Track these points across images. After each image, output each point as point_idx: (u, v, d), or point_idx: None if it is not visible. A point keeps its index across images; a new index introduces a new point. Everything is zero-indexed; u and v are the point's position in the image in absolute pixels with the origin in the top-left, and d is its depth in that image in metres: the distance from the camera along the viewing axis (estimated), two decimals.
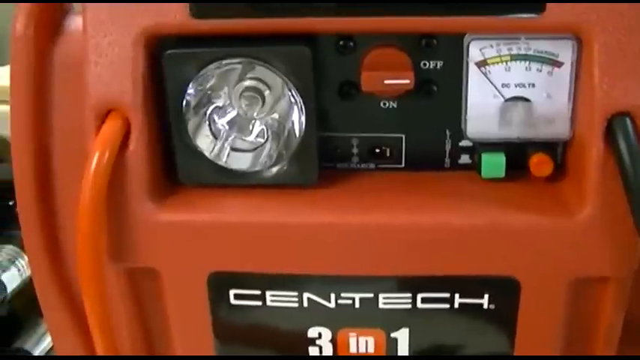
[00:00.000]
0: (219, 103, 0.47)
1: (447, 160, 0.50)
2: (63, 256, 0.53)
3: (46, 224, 0.52)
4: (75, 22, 0.51)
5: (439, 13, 0.44)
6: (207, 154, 0.47)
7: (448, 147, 0.50)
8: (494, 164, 0.48)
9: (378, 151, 0.50)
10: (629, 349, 0.52)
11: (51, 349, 0.76)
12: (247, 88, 0.46)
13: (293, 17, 0.45)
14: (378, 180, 0.48)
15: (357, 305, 0.48)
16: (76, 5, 0.51)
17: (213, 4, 0.45)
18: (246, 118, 0.47)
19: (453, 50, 0.47)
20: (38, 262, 0.53)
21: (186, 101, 0.46)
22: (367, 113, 0.49)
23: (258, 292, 0.48)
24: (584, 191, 0.46)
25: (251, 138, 0.47)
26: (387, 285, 0.47)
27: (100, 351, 0.49)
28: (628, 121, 0.44)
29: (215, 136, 0.47)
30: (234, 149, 0.47)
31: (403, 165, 0.51)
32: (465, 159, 0.50)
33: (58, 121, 0.50)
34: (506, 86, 0.47)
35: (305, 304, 0.48)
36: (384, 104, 0.49)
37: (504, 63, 0.47)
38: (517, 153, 0.49)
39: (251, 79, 0.46)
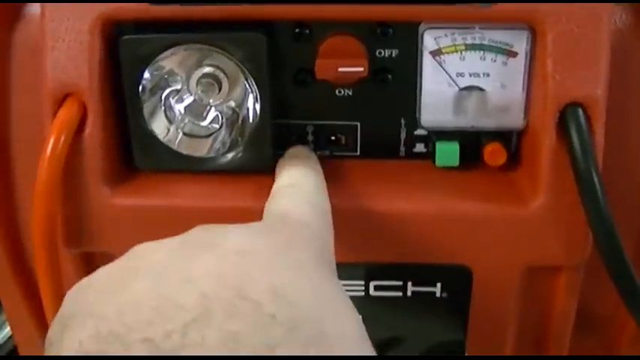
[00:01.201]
0: (176, 87, 0.47)
1: (402, 149, 0.51)
2: (20, 243, 0.53)
3: (3, 210, 0.52)
4: (34, 7, 0.51)
5: (394, 1, 0.45)
6: (161, 138, 0.47)
7: (403, 135, 0.50)
8: (448, 153, 0.49)
9: (333, 138, 0.51)
10: (582, 338, 0.53)
11: (9, 337, 0.76)
12: (204, 75, 0.46)
13: (249, 4, 0.45)
14: (332, 167, 0.48)
15: None
16: None
17: None
18: (201, 104, 0.47)
19: (408, 39, 0.47)
20: None
21: (143, 86, 0.46)
22: (322, 101, 0.49)
23: None
24: (537, 181, 0.46)
25: (205, 123, 0.47)
26: (340, 272, 0.47)
27: None
28: (580, 111, 0.44)
29: (170, 121, 0.47)
30: (189, 135, 0.48)
31: (358, 153, 0.51)
32: (419, 147, 0.51)
33: (17, 105, 0.50)
34: (460, 75, 0.48)
35: None
36: (340, 92, 0.49)
37: (459, 52, 0.47)
38: (471, 142, 0.49)
39: (208, 65, 0.46)
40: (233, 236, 0.34)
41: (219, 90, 0.46)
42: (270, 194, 0.43)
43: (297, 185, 0.43)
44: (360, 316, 0.33)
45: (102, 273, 0.33)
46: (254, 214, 0.46)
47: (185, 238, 0.34)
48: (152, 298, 0.29)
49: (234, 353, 0.27)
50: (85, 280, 0.33)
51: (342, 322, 0.31)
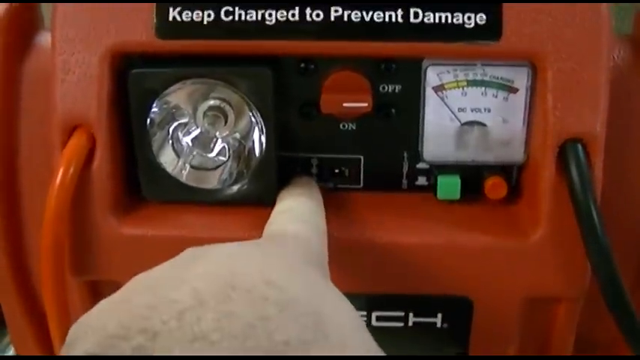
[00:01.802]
0: (183, 121, 0.48)
1: (405, 182, 0.52)
2: (28, 269, 0.54)
3: (11, 237, 0.53)
4: (45, 37, 0.52)
5: (398, 38, 0.46)
6: (169, 171, 0.48)
7: (405, 169, 0.51)
8: (449, 186, 0.50)
9: (337, 171, 0.52)
10: None
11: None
12: (211, 108, 0.47)
13: (256, 39, 0.46)
14: (336, 200, 0.49)
15: None
16: (47, 21, 0.52)
17: (177, 26, 0.46)
18: (208, 136, 0.48)
19: (411, 75, 0.48)
20: (2, 275, 0.54)
21: (151, 119, 0.47)
22: (327, 134, 0.50)
23: None
24: (537, 214, 0.47)
25: (212, 155, 0.48)
26: None
27: None
28: (580, 147, 0.45)
29: (178, 154, 0.48)
30: (196, 167, 0.49)
31: (362, 185, 0.52)
32: (422, 181, 0.51)
33: (26, 134, 0.51)
34: (462, 110, 0.49)
35: None
36: (344, 126, 0.50)
37: (461, 88, 0.48)
38: (473, 175, 0.50)
39: (214, 98, 0.47)
40: (226, 246, 0.35)
41: (226, 122, 0.47)
42: (268, 222, 0.44)
43: (292, 209, 0.44)
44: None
45: (103, 301, 0.33)
46: None
47: (180, 255, 0.35)
48: (147, 300, 0.30)
49: (229, 328, 0.28)
50: (86, 313, 0.34)
51: (338, 312, 0.32)
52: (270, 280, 0.31)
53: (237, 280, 0.30)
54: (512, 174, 0.50)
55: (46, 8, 0.52)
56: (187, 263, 0.33)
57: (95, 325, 0.30)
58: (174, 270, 0.33)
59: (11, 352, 0.74)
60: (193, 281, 0.30)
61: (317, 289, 0.33)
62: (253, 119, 0.47)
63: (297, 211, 0.44)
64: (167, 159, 0.48)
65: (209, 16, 0.46)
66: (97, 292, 0.51)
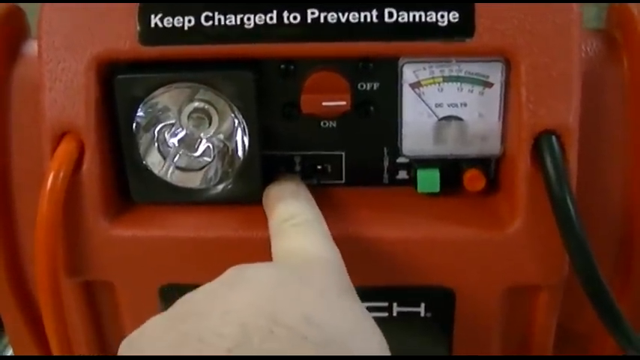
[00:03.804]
0: (169, 122, 0.49)
1: (386, 176, 0.53)
2: (23, 272, 0.56)
3: (6, 241, 0.54)
4: (32, 46, 0.53)
5: (373, 38, 0.47)
6: (156, 172, 0.50)
7: (386, 163, 0.52)
8: (429, 180, 0.51)
9: (319, 167, 0.53)
10: (563, 353, 0.55)
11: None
12: (195, 110, 0.48)
13: (236, 43, 0.47)
14: (319, 195, 0.50)
15: None
16: (34, 31, 0.54)
17: (159, 32, 0.47)
18: (193, 137, 0.49)
19: (388, 73, 0.50)
20: None
21: (137, 123, 0.49)
22: (308, 133, 0.52)
23: None
24: (515, 205, 0.48)
25: (197, 154, 0.50)
26: None
27: None
28: (554, 139, 0.46)
29: (164, 156, 0.50)
30: (182, 169, 0.50)
31: (343, 181, 0.53)
32: (402, 175, 0.53)
33: (17, 141, 0.53)
34: (439, 106, 0.50)
35: None
36: (325, 124, 0.51)
37: (437, 84, 0.49)
38: (451, 169, 0.51)
39: (198, 100, 0.48)
40: (265, 273, 0.38)
41: (210, 124, 0.49)
42: (274, 230, 0.45)
43: (295, 216, 0.45)
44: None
45: (151, 323, 0.37)
46: (246, 243, 0.48)
47: (221, 279, 0.38)
48: (195, 333, 0.33)
49: None
50: (136, 333, 0.37)
51: (366, 340, 0.36)
52: (310, 316, 0.34)
53: (279, 315, 0.33)
54: (490, 167, 0.52)
55: (32, 17, 0.54)
56: (231, 288, 0.36)
57: (147, 350, 0.33)
58: (219, 296, 0.36)
59: (10, 353, 0.76)
60: (239, 313, 0.33)
61: (348, 318, 0.36)
62: (236, 120, 0.48)
63: (303, 219, 0.45)
64: (154, 161, 0.50)
65: (190, 21, 0.47)
66: (90, 292, 0.53)
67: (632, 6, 0.51)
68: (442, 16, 0.47)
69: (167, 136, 0.49)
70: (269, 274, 0.38)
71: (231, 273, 0.39)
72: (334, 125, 0.51)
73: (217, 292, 0.37)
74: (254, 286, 0.36)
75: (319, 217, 0.46)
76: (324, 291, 0.37)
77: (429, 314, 0.51)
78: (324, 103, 0.48)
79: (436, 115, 0.50)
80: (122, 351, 0.37)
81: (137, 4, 0.47)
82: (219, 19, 0.47)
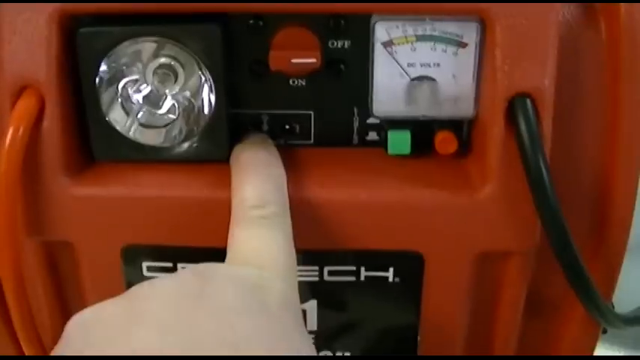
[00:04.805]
0: (133, 78, 0.48)
1: (355, 137, 0.52)
2: None
3: None
4: None
5: None
6: (119, 129, 0.48)
7: (356, 124, 0.51)
8: (400, 141, 0.50)
9: (287, 127, 0.52)
10: (532, 322, 0.54)
11: None
12: (160, 66, 0.47)
13: None
14: (287, 156, 0.49)
15: None
16: None
17: None
18: (158, 94, 0.48)
19: (360, 30, 0.48)
20: None
21: (100, 78, 0.47)
22: (277, 91, 0.50)
23: (169, 265, 0.50)
24: (487, 169, 0.47)
25: (162, 111, 0.48)
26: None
27: (17, 326, 0.50)
28: (528, 102, 0.45)
29: (127, 112, 0.48)
30: (146, 125, 0.48)
31: (312, 141, 0.52)
32: (372, 136, 0.52)
33: None
34: (412, 66, 0.49)
35: None
36: (293, 82, 0.50)
37: (410, 43, 0.48)
38: (423, 131, 0.50)
39: (164, 56, 0.47)
40: (221, 291, 0.38)
41: (175, 80, 0.47)
42: (238, 213, 0.44)
43: (269, 212, 0.44)
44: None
45: (106, 313, 0.37)
46: (211, 204, 0.47)
47: (179, 288, 0.38)
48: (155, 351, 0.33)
49: None
50: (90, 314, 0.38)
51: None
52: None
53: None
54: (463, 129, 0.51)
55: None
56: (190, 305, 0.37)
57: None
58: (179, 314, 0.36)
59: None
60: (202, 344, 0.34)
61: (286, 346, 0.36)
62: (203, 77, 0.47)
63: (271, 212, 0.44)
64: (117, 117, 0.48)
65: None
66: (51, 253, 0.51)
67: None
68: None
69: (131, 92, 0.48)
70: (227, 294, 0.38)
71: (189, 283, 0.39)
72: (303, 84, 0.50)
73: (177, 305, 0.37)
74: (213, 309, 0.36)
75: (286, 208, 0.45)
76: (275, 320, 0.38)
77: (397, 279, 0.50)
78: (293, 60, 0.47)
79: (408, 75, 0.49)
80: (71, 329, 0.38)
81: None
82: None
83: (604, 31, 0.50)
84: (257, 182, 0.45)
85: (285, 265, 0.42)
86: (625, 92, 0.48)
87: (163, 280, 0.39)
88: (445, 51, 0.48)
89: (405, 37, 0.48)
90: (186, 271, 0.41)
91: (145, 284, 0.39)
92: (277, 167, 0.48)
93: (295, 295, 0.42)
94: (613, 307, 0.53)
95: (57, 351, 0.37)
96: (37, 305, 0.52)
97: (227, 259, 0.42)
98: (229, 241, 0.43)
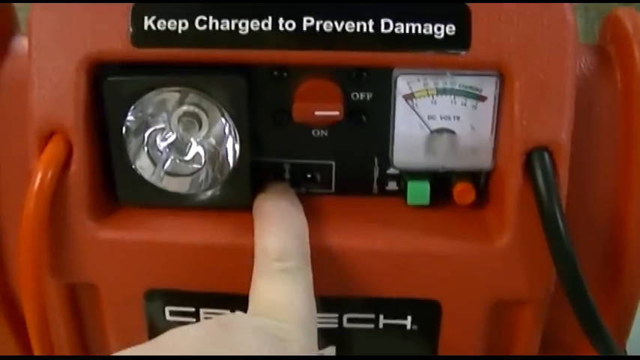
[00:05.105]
0: (159, 126, 0.49)
1: (375, 187, 0.53)
2: (6, 272, 0.55)
3: None
4: (21, 43, 0.52)
5: (369, 48, 0.46)
6: (146, 176, 0.49)
7: (376, 174, 0.52)
8: (419, 192, 0.51)
9: (309, 176, 0.53)
10: None
11: None
12: (185, 114, 0.48)
13: (229, 49, 0.47)
14: (308, 204, 0.50)
15: None
16: (23, 26, 0.53)
17: (153, 34, 0.46)
18: (183, 142, 0.49)
19: (382, 83, 0.49)
20: None
21: (127, 127, 0.48)
22: (299, 140, 0.51)
23: (192, 309, 0.51)
24: (504, 219, 0.48)
25: (187, 158, 0.49)
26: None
27: None
28: (546, 155, 0.46)
29: (153, 160, 0.49)
30: (172, 174, 0.49)
31: (333, 190, 0.53)
32: (392, 186, 0.53)
33: (2, 139, 0.52)
34: (432, 118, 0.50)
35: None
36: (316, 132, 0.51)
37: (431, 96, 0.49)
38: (442, 181, 0.51)
39: (189, 104, 0.48)
40: (245, 341, 0.39)
41: (200, 127, 0.48)
42: (260, 265, 0.45)
43: (292, 266, 0.45)
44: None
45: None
46: (234, 250, 0.48)
47: (205, 337, 0.39)
48: None
49: None
50: None
51: None
52: None
53: None
54: (481, 180, 0.52)
55: (21, 12, 0.53)
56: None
57: None
58: None
59: None
60: None
61: None
62: (227, 126, 0.48)
63: (293, 265, 0.45)
64: (143, 165, 0.49)
65: (183, 25, 0.46)
66: (74, 294, 0.52)
67: (626, 21, 0.51)
68: (439, 29, 0.46)
69: (158, 140, 0.49)
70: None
71: (216, 337, 0.40)
72: (325, 134, 0.51)
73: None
74: None
75: (307, 260, 0.46)
76: None
77: (415, 326, 0.51)
78: (316, 113, 0.48)
79: (428, 127, 0.50)
80: None
81: (130, 5, 0.47)
82: (214, 24, 0.46)
83: (619, 81, 0.51)
84: (280, 234, 0.46)
85: (306, 318, 0.43)
86: (639, 140, 0.49)
87: (189, 329, 0.40)
88: (465, 104, 0.49)
89: (426, 89, 0.49)
90: (212, 321, 0.42)
91: (171, 332, 0.40)
92: (299, 218, 0.48)
93: (314, 346, 0.43)
94: (626, 353, 0.53)
95: None
96: (59, 343, 0.53)
97: (250, 310, 0.43)
98: (252, 290, 0.44)
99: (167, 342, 0.39)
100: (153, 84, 0.47)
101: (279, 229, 0.47)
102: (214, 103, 0.48)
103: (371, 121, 0.50)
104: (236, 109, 0.48)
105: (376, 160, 0.52)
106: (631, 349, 0.55)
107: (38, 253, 0.47)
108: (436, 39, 0.46)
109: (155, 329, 0.51)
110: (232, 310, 0.47)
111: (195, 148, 0.49)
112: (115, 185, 0.51)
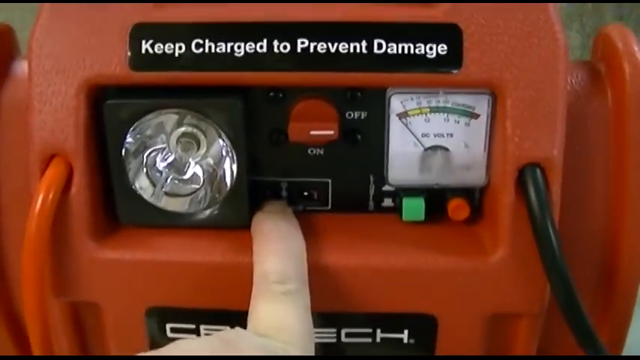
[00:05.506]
0: (158, 147, 0.50)
1: (371, 204, 0.54)
2: (10, 291, 0.56)
3: None
4: (21, 67, 0.53)
5: (362, 68, 0.47)
6: (145, 197, 0.50)
7: (372, 191, 0.53)
8: (414, 208, 0.52)
9: (305, 194, 0.53)
10: None
11: None
12: (183, 134, 0.49)
13: (225, 71, 0.47)
14: (305, 222, 0.51)
15: None
16: (24, 50, 0.54)
17: (150, 58, 0.47)
18: (182, 162, 0.50)
19: (376, 102, 0.50)
20: None
21: (126, 149, 0.49)
22: (295, 159, 0.52)
23: (192, 326, 0.51)
24: (498, 234, 0.49)
25: (186, 177, 0.50)
26: (314, 320, 0.50)
27: None
28: (538, 171, 0.47)
29: (152, 181, 0.50)
30: (171, 194, 0.50)
31: (330, 207, 0.54)
32: (387, 202, 0.53)
33: (3, 162, 0.53)
34: (426, 136, 0.50)
35: None
36: (312, 151, 0.52)
37: (424, 114, 0.50)
38: (436, 197, 0.52)
39: (187, 125, 0.49)
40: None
41: (198, 148, 0.49)
42: (260, 286, 0.46)
43: (291, 289, 0.46)
44: None
45: None
46: (233, 268, 0.49)
47: (204, 351, 0.40)
48: None
49: None
50: None
51: None
52: None
53: None
54: (474, 196, 0.52)
55: (21, 36, 0.54)
56: None
57: None
58: None
59: None
60: None
61: None
62: (224, 146, 0.49)
63: (292, 288, 0.46)
64: (142, 185, 0.50)
65: (180, 48, 0.47)
66: (76, 313, 0.53)
67: (616, 38, 0.52)
68: (431, 49, 0.47)
69: (156, 160, 0.50)
70: None
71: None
72: (321, 153, 0.52)
73: None
74: None
75: (305, 281, 0.47)
76: None
77: (411, 340, 0.52)
78: (312, 132, 0.49)
79: (422, 145, 0.51)
80: None
81: (128, 30, 0.47)
82: (210, 47, 0.47)
83: (610, 98, 0.52)
84: (279, 255, 0.47)
85: (303, 337, 0.44)
86: (631, 157, 0.50)
87: (192, 341, 0.41)
88: (458, 122, 0.50)
89: (420, 108, 0.50)
90: (213, 337, 0.43)
91: (173, 345, 0.41)
92: (297, 238, 0.49)
93: None
94: None
95: None
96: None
97: (249, 329, 0.44)
98: (251, 310, 0.45)
99: (170, 351, 0.40)
100: (151, 106, 0.48)
101: (279, 251, 0.47)
102: (212, 124, 0.48)
103: (366, 140, 0.51)
104: (233, 130, 0.49)
105: (372, 178, 0.53)
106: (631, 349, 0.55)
107: (40, 273, 0.48)
108: (428, 59, 0.47)
109: (157, 346, 0.51)
110: (231, 327, 0.48)
111: (193, 169, 0.50)
112: (116, 206, 0.51)
